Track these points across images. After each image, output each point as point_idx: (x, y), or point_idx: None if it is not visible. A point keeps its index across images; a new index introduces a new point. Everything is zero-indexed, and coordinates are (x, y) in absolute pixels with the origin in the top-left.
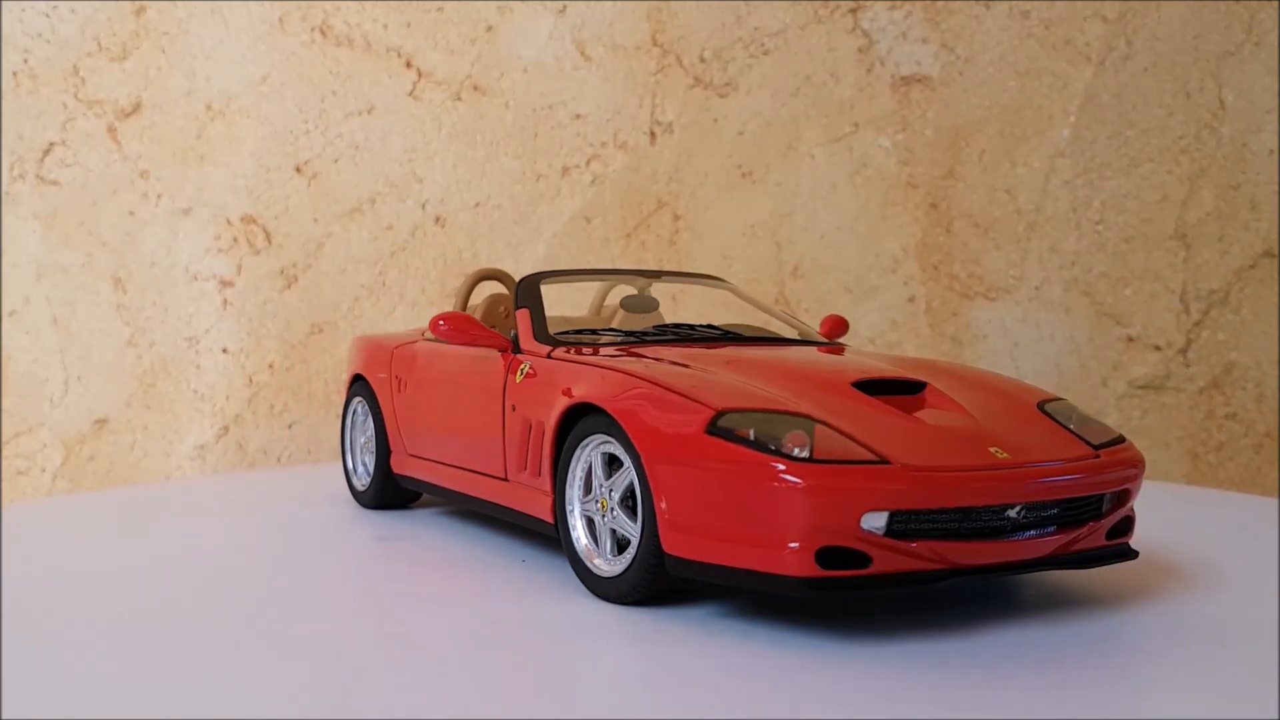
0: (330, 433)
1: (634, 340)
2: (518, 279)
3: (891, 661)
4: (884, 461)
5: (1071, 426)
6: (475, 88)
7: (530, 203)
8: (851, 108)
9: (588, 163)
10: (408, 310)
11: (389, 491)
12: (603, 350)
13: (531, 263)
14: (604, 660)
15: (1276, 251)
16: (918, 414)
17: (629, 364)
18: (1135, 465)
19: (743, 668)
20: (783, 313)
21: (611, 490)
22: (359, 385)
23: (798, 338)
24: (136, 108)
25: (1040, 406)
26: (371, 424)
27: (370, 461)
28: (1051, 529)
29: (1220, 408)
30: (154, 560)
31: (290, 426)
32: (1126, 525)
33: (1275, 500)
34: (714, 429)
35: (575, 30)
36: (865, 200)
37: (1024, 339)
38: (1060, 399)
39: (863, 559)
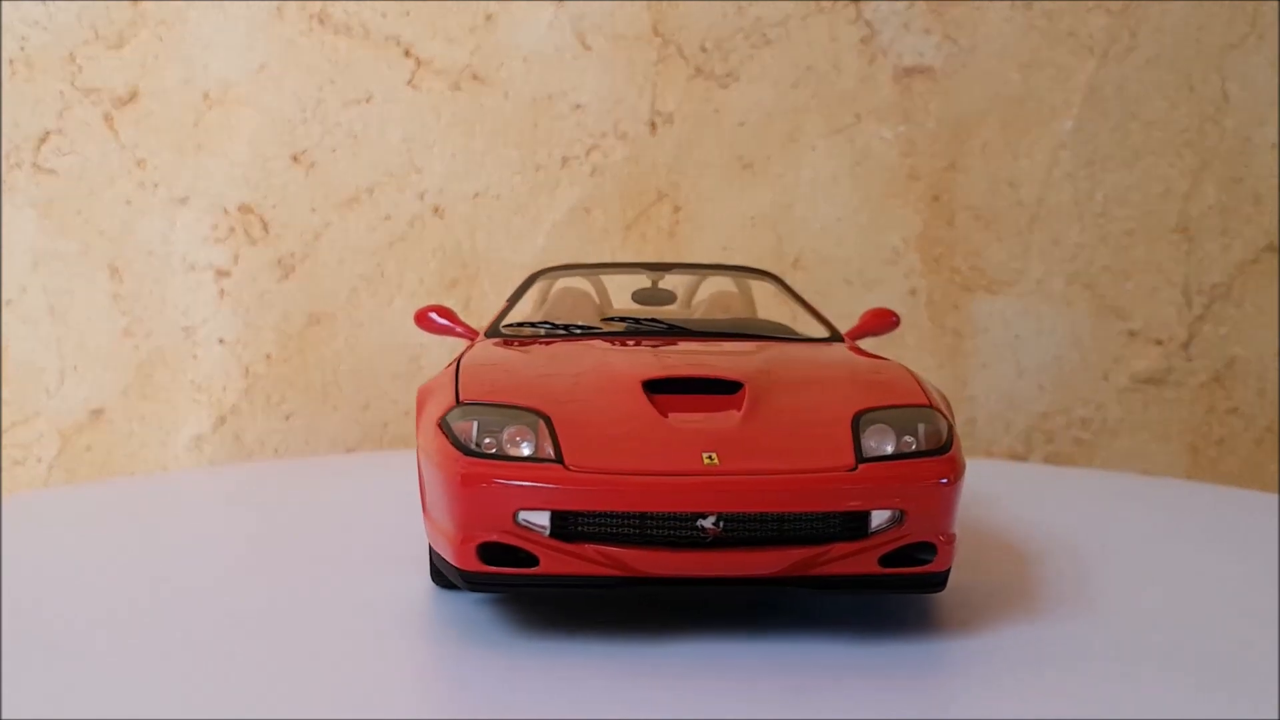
0: (328, 424)
1: (563, 334)
2: (535, 270)
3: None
4: (554, 460)
5: (868, 437)
6: (474, 77)
7: (530, 193)
8: (853, 99)
9: (587, 153)
10: (406, 301)
11: None
12: (522, 343)
13: (531, 254)
14: (362, 650)
15: (1279, 246)
16: (681, 414)
17: (481, 355)
18: (919, 483)
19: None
20: (813, 308)
21: None
22: None
23: (770, 334)
24: (133, 96)
25: (857, 414)
26: None
27: None
28: (770, 545)
29: (1221, 402)
30: (154, 553)
31: (287, 418)
32: (926, 551)
33: (1275, 495)
34: (442, 419)
35: (575, 20)
36: (866, 192)
37: (1025, 332)
38: (903, 407)
39: (530, 558)
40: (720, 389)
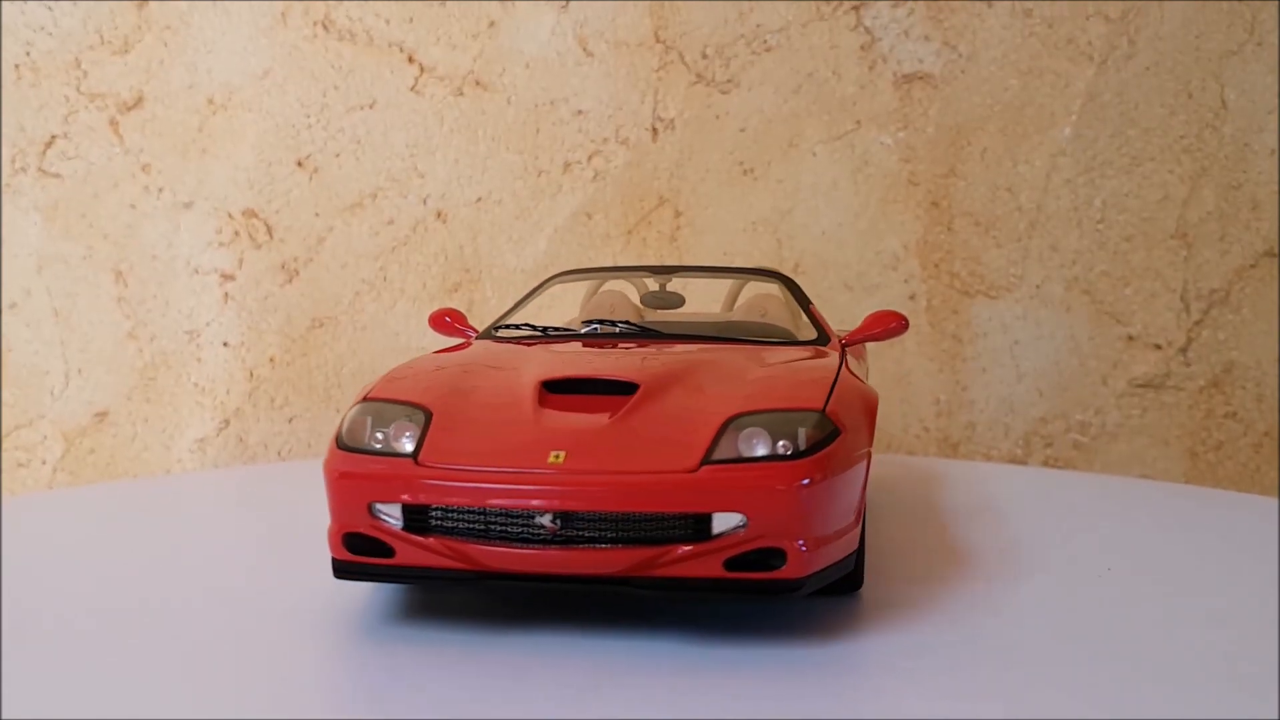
0: (331, 426)
1: (540, 335)
2: (549, 276)
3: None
4: (405, 454)
5: (740, 440)
6: (477, 83)
7: (532, 198)
8: (853, 105)
9: (589, 159)
10: (408, 305)
11: None
12: (505, 344)
13: (533, 258)
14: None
15: (1277, 251)
16: (559, 414)
17: (433, 356)
18: (762, 487)
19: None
20: (812, 311)
21: None
22: None
23: (748, 337)
24: (138, 101)
25: (731, 417)
26: None
27: None
28: (609, 545)
29: (1220, 407)
30: (157, 555)
31: (290, 420)
32: (775, 557)
33: (1274, 500)
34: (344, 416)
35: (577, 26)
36: (866, 197)
37: (1024, 337)
38: (786, 411)
39: (387, 549)
40: (624, 390)
